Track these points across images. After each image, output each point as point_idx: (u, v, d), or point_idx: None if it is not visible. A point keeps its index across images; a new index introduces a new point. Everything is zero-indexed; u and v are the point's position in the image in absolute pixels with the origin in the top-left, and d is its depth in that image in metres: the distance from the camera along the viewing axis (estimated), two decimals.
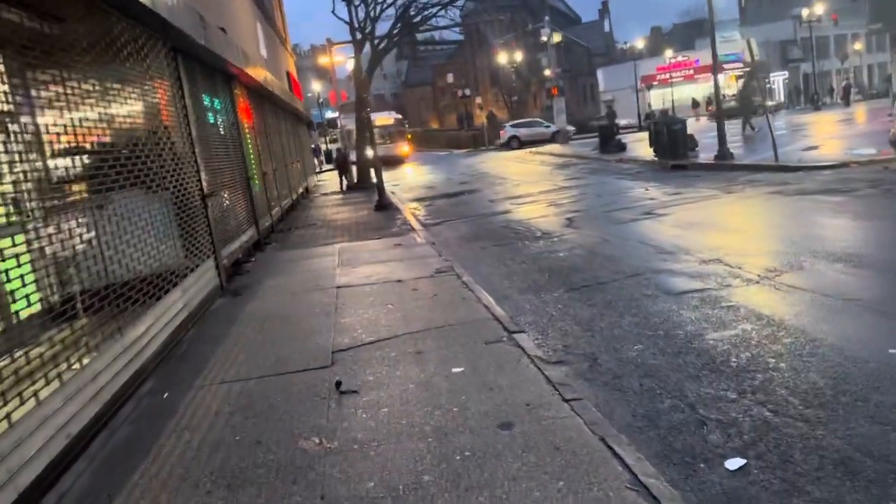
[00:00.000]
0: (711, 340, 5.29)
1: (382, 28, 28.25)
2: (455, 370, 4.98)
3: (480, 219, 14.39)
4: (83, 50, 5.94)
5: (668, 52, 60.67)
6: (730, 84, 59.76)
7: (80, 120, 5.59)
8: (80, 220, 5.25)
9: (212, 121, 10.98)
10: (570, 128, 42.66)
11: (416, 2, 27.40)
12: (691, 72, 59.99)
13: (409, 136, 60.50)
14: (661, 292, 6.78)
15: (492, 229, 12.64)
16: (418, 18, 29.07)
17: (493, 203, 16.99)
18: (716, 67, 19.23)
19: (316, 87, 67.59)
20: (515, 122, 49.20)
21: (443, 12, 30.58)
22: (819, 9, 42.25)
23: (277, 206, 16.93)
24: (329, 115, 68.20)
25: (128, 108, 6.86)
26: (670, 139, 21.76)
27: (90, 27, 6.37)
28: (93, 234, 5.38)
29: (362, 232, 13.88)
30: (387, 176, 20.15)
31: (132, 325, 5.62)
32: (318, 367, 5.43)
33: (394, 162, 39.64)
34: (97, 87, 6.15)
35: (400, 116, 44.33)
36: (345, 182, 27.26)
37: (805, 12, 42.14)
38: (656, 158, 22.57)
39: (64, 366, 4.26)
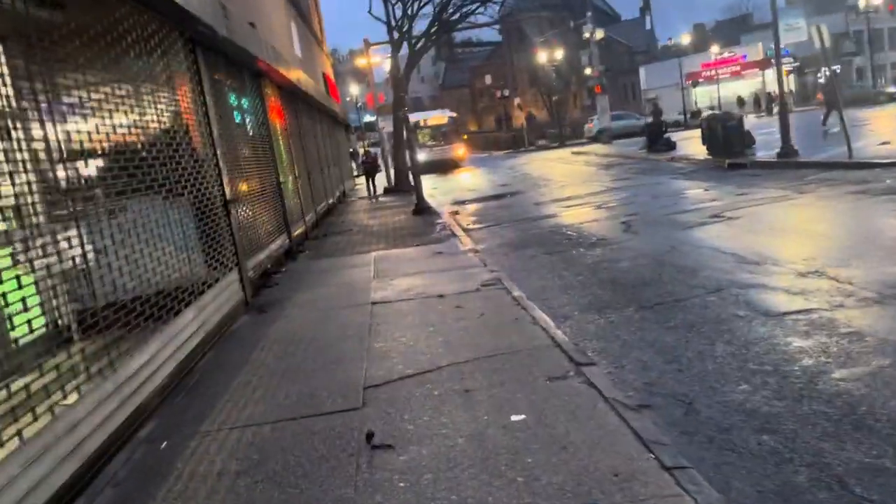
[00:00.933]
0: (841, 381, 4.20)
1: (420, 27, 27.44)
2: (514, 418, 3.99)
3: (527, 223, 13.37)
4: (87, 40, 5.13)
5: (714, 48, 58.64)
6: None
7: (81, 119, 4.76)
8: (67, 231, 4.41)
9: (238, 120, 10.18)
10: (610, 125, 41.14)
11: None
12: (738, 68, 57.92)
13: (465, 137, 55.78)
14: (756, 313, 5.69)
15: (540, 235, 11.60)
16: (456, 16, 28.14)
17: (538, 206, 15.95)
18: (779, 57, 17.87)
19: (353, 90, 67.27)
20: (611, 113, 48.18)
21: (482, 9, 29.70)
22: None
23: (312, 211, 16.13)
24: (367, 118, 67.92)
25: (137, 106, 6.04)
26: (725, 136, 20.45)
27: (95, 15, 5.57)
28: (86, 246, 4.53)
29: (400, 238, 12.96)
30: (426, 180, 19.21)
31: (130, 355, 4.75)
32: (347, 408, 4.49)
33: (447, 167, 35.96)
34: (102, 82, 5.34)
35: (454, 115, 39.41)
36: (373, 189, 25.15)
37: (862, 2, 40.10)
38: (710, 157, 21.27)
39: (25, 420, 3.38)
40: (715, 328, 5.44)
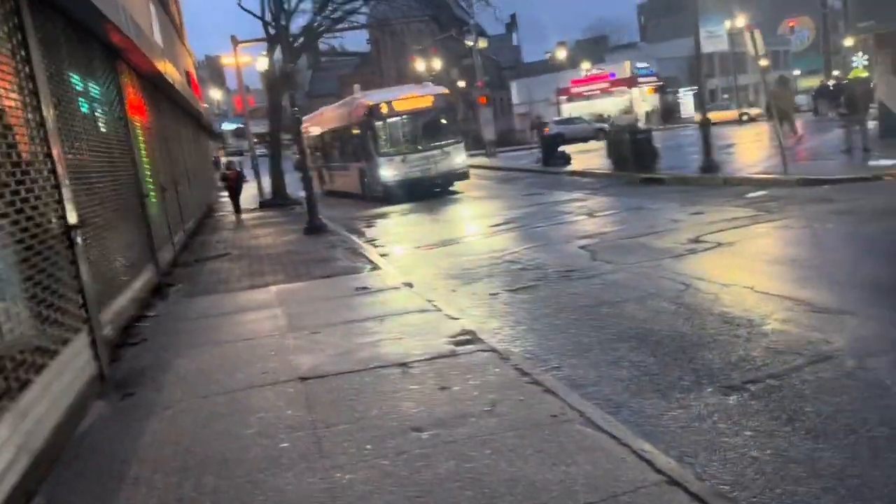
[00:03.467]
0: None
1: (296, 25, 24.72)
2: None
3: (459, 247, 11.22)
4: None
5: (585, 65, 59.48)
6: (645, 97, 59.37)
7: None
8: None
9: (86, 111, 7.32)
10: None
11: None
12: (607, 85, 59.05)
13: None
14: None
15: (483, 263, 9.48)
16: (338, 13, 25.65)
17: (460, 224, 13.85)
18: (700, 67, 16.93)
19: (213, 95, 62.31)
20: (558, 119, 46.63)
21: (365, 9, 27.47)
22: (739, 21, 41.56)
23: (181, 230, 13.14)
24: (226, 125, 63.11)
25: None
26: (634, 150, 19.33)
27: None
28: None
29: (300, 266, 10.41)
30: (392, 219, 16.42)
31: None
32: None
33: (438, 190, 20.29)
34: None
35: (445, 91, 21.42)
36: (238, 209, 20.36)
37: (727, 25, 41.51)
38: (617, 172, 20.13)
39: None
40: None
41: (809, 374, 4.32)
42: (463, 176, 20.77)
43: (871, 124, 23.38)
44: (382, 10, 40.07)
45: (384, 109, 19.83)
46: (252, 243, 13.79)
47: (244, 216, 19.84)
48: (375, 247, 11.94)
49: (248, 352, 6.05)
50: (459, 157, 20.57)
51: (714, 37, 16.01)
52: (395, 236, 13.60)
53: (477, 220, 14.04)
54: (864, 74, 30.92)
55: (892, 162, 13.58)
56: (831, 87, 32.71)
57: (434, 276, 8.98)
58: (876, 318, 5.19)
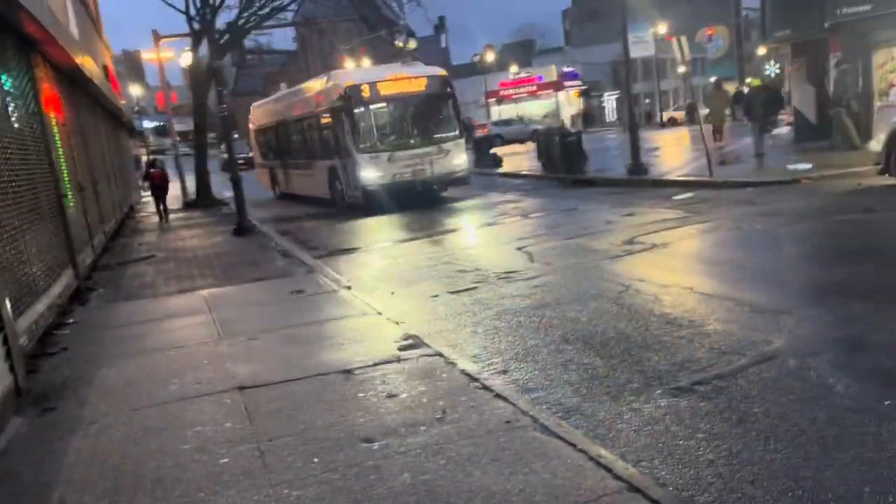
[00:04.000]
0: None
1: (222, 21, 23.97)
2: None
3: (396, 248, 11.05)
4: None
5: (514, 68, 60.11)
6: (572, 101, 60.50)
7: None
8: None
9: None
10: None
11: None
12: (534, 88, 59.86)
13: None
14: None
15: (422, 264, 9.35)
16: (267, 10, 25.03)
17: (394, 227, 13.67)
18: (627, 72, 17.28)
19: (133, 91, 59.88)
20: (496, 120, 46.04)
21: (293, 6, 26.96)
22: (661, 28, 42.81)
23: (101, 232, 12.50)
24: (146, 124, 60.81)
25: None
26: (564, 153, 19.60)
27: None
28: None
29: (231, 269, 10.04)
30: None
31: None
32: None
33: (431, 191, 16.66)
34: None
35: (443, 73, 17.16)
36: (165, 211, 18.57)
37: (651, 31, 42.60)
38: (547, 173, 20.39)
39: None
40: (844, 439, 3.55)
41: (754, 374, 4.38)
42: (461, 180, 16.84)
43: (786, 129, 24.55)
44: (310, 9, 39.25)
45: (366, 93, 15.57)
46: (178, 245, 13.24)
47: (167, 221, 18.94)
48: (308, 248, 11.63)
49: (180, 360, 5.74)
50: (459, 157, 16.47)
51: (642, 42, 16.44)
52: (317, 238, 13.29)
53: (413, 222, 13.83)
54: (758, 83, 32.51)
55: (808, 166, 14.18)
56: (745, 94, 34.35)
57: (371, 279, 8.79)
58: (811, 318, 5.33)
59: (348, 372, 5.01)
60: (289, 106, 20.58)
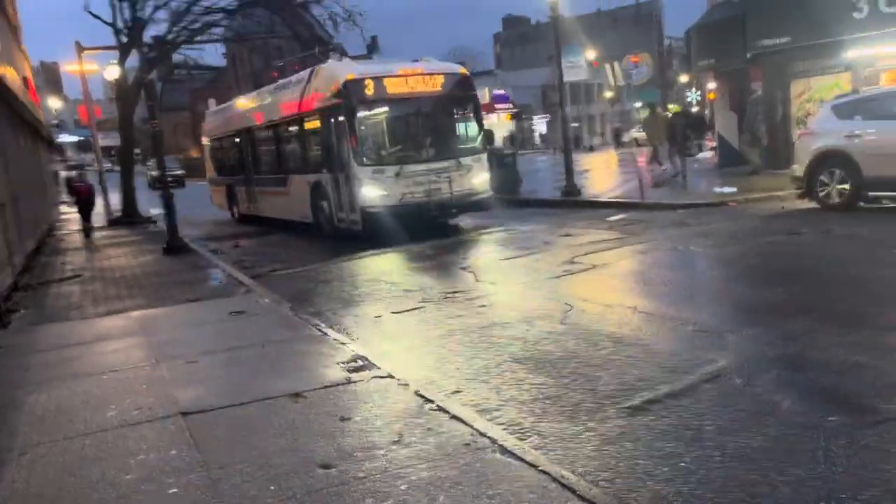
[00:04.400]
0: None
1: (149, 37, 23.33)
2: None
3: (330, 267, 10.90)
4: None
5: None
6: (503, 124, 61.40)
7: None
8: None
9: None
10: None
11: (197, 3, 22.87)
12: None
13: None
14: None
15: (363, 283, 9.27)
16: (198, 24, 24.52)
17: (325, 246, 13.49)
18: (562, 95, 17.67)
19: (52, 104, 57.52)
20: None
21: (226, 21, 26.50)
22: (590, 54, 44.19)
23: (21, 252, 11.89)
24: (64, 137, 58.47)
25: None
26: (500, 173, 19.82)
27: None
28: None
29: (163, 289, 9.69)
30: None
31: None
32: None
33: (442, 216, 13.46)
34: None
35: (463, 71, 13.98)
36: (90, 228, 17.80)
37: (584, 57, 43.87)
38: None
39: None
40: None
41: (704, 392, 4.48)
42: (482, 205, 13.74)
43: (710, 154, 25.60)
44: (243, 25, 38.64)
45: (370, 90, 12.54)
46: (106, 264, 12.71)
47: (90, 238, 18.15)
48: (245, 268, 11.35)
49: (116, 385, 5.47)
50: (480, 175, 13.49)
51: (576, 67, 16.88)
52: (258, 256, 13.00)
53: (345, 242, 13.09)
54: (678, 109, 34.19)
55: (733, 189, 14.82)
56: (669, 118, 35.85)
57: (321, 298, 8.63)
58: (752, 337, 5.50)
59: (298, 395, 4.87)
60: (259, 109, 17.50)
